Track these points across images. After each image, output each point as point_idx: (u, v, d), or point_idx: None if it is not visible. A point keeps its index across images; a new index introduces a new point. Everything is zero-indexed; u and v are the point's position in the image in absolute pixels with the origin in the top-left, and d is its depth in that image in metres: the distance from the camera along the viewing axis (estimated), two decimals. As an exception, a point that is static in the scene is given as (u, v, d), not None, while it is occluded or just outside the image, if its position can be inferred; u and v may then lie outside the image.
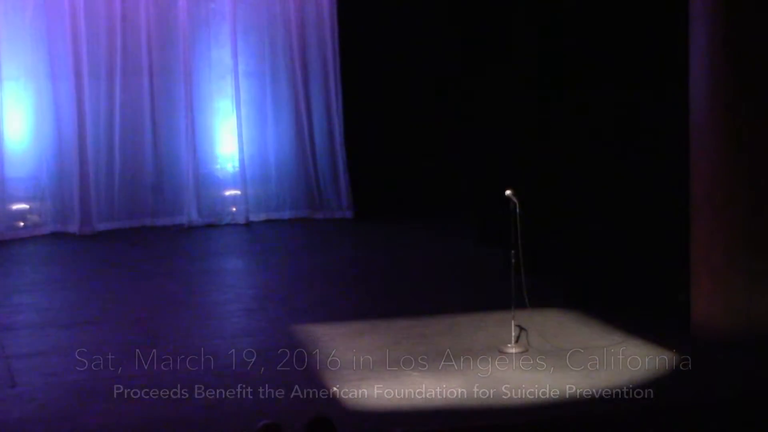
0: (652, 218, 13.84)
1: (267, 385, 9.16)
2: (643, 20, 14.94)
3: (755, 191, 9.95)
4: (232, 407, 8.62)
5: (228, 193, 16.48)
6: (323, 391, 8.96)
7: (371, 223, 16.19)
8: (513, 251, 10.04)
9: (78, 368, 9.64)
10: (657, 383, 9.11)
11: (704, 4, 10.05)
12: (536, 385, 9.03)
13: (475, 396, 8.80)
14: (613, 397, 8.81)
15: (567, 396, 8.82)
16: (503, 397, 8.79)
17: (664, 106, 14.22)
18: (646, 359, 9.66)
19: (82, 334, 10.77)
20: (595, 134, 15.31)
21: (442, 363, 9.59)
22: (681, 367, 9.49)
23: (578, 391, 8.90)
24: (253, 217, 16.40)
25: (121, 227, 15.90)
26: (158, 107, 16.12)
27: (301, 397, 8.83)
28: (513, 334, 9.97)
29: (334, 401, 8.73)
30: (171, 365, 9.68)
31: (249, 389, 9.05)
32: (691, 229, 10.36)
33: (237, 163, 16.39)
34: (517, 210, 9.97)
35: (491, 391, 8.90)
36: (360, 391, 8.91)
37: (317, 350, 10.05)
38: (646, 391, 8.93)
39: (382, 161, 16.40)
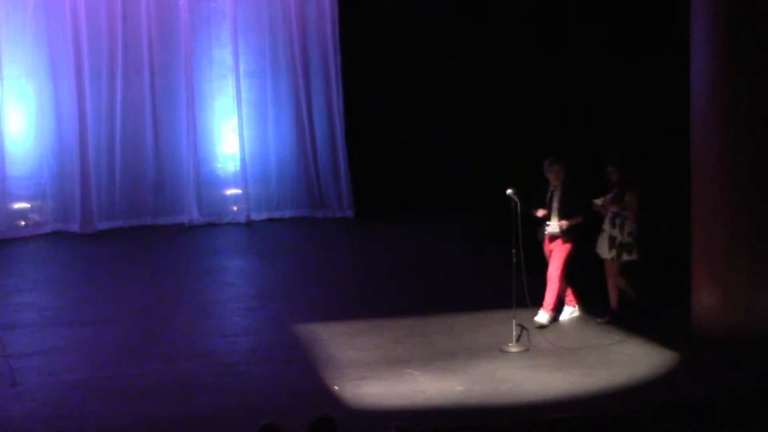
0: (653, 217, 13.85)
1: (268, 384, 9.18)
2: (642, 20, 14.94)
3: (755, 192, 9.93)
4: (233, 406, 8.61)
5: (229, 192, 16.48)
6: (323, 390, 8.94)
7: (372, 222, 16.18)
8: (514, 250, 10.04)
9: (78, 367, 9.66)
10: (657, 382, 9.11)
11: (705, 7, 10.03)
12: (537, 384, 9.03)
13: (476, 395, 8.79)
14: (613, 396, 8.80)
15: (567, 395, 8.80)
16: (504, 396, 8.79)
17: (664, 105, 14.24)
18: (646, 358, 9.66)
19: (83, 333, 10.77)
20: (595, 133, 15.32)
21: (443, 362, 9.60)
22: (681, 367, 9.48)
23: (578, 390, 8.88)
24: (254, 216, 16.40)
25: (122, 226, 15.92)
26: (159, 106, 16.13)
27: (302, 395, 8.82)
28: (514, 333, 9.97)
29: (334, 400, 8.71)
30: (171, 364, 9.68)
31: (251, 387, 9.07)
32: (691, 229, 10.35)
33: (238, 162, 16.38)
34: (518, 209, 9.98)
35: (492, 390, 8.89)
36: (360, 390, 8.90)
37: (317, 349, 10.04)
38: (645, 390, 8.92)
39: (383, 160, 16.38)
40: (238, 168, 16.38)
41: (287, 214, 16.61)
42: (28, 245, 15.06)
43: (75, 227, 15.69)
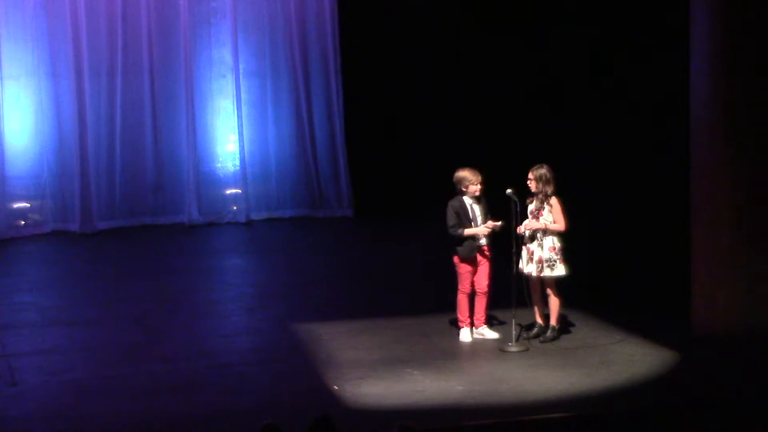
0: (653, 217, 13.82)
1: (267, 384, 9.16)
2: (640, 30, 14.92)
3: (755, 191, 9.92)
4: (232, 406, 8.58)
5: (229, 191, 16.45)
6: (323, 390, 8.92)
7: (372, 221, 16.14)
8: (513, 250, 10.02)
9: (78, 367, 9.63)
10: (657, 382, 9.08)
11: (704, 8, 10.03)
12: (537, 384, 9.01)
13: (476, 395, 8.76)
14: (613, 395, 8.78)
15: (567, 395, 8.78)
16: (504, 395, 8.77)
17: (663, 106, 14.22)
18: (646, 358, 9.63)
19: (83, 332, 10.75)
20: (596, 133, 15.31)
21: (443, 361, 9.58)
22: (681, 366, 9.45)
23: (578, 390, 8.86)
24: (253, 216, 16.37)
25: (121, 226, 15.88)
26: (159, 106, 16.09)
27: (302, 395, 8.80)
28: (513, 333, 9.95)
29: (333, 399, 8.69)
30: (171, 364, 9.66)
31: (250, 386, 9.05)
32: (691, 229, 10.33)
33: (238, 162, 16.35)
34: (518, 209, 9.96)
35: (492, 390, 8.87)
36: (360, 390, 8.88)
37: (317, 348, 10.01)
38: (645, 389, 8.90)
39: (383, 160, 16.35)
40: (237, 167, 16.35)
41: (287, 213, 16.58)
42: (27, 245, 15.02)
43: (75, 227, 15.65)
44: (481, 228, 10.05)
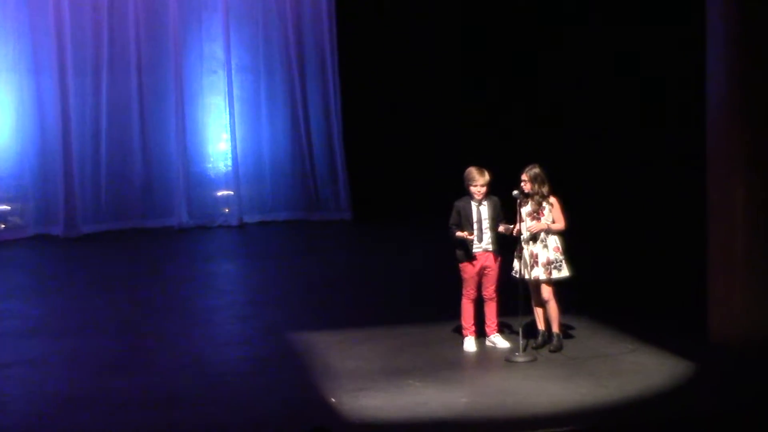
0: (668, 221, 13.84)
1: (261, 396, 8.95)
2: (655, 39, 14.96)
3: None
4: (224, 418, 8.38)
5: (220, 193, 16.37)
6: (320, 402, 8.70)
7: (371, 225, 16.08)
8: (516, 253, 9.75)
9: (63, 378, 9.46)
10: (671, 393, 8.87)
11: (721, 8, 9.90)
12: (545, 396, 8.78)
13: (481, 407, 8.55)
14: (627, 408, 8.56)
15: (577, 407, 8.55)
16: (510, 408, 8.54)
17: (676, 108, 14.31)
18: (660, 368, 9.43)
19: (67, 342, 10.58)
20: (611, 135, 15.40)
21: (446, 372, 9.38)
22: (697, 376, 9.24)
23: (589, 403, 8.64)
24: (246, 219, 16.30)
25: (108, 229, 15.82)
26: (147, 103, 15.97)
27: (297, 408, 8.59)
28: (520, 342, 9.70)
29: (331, 413, 8.46)
30: (160, 375, 9.47)
31: (243, 399, 8.85)
32: (707, 234, 10.16)
33: (230, 162, 16.24)
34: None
35: (498, 403, 8.65)
36: (359, 402, 8.66)
37: (314, 358, 9.83)
38: (660, 401, 8.69)
39: (382, 160, 16.29)
40: (229, 168, 16.25)
41: (281, 216, 16.51)
42: (8, 250, 14.90)
43: (58, 231, 15.56)
44: (464, 233, 9.70)
